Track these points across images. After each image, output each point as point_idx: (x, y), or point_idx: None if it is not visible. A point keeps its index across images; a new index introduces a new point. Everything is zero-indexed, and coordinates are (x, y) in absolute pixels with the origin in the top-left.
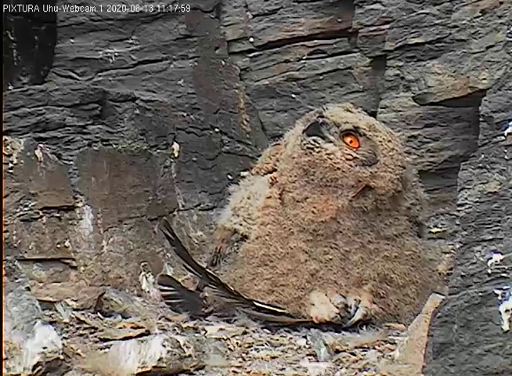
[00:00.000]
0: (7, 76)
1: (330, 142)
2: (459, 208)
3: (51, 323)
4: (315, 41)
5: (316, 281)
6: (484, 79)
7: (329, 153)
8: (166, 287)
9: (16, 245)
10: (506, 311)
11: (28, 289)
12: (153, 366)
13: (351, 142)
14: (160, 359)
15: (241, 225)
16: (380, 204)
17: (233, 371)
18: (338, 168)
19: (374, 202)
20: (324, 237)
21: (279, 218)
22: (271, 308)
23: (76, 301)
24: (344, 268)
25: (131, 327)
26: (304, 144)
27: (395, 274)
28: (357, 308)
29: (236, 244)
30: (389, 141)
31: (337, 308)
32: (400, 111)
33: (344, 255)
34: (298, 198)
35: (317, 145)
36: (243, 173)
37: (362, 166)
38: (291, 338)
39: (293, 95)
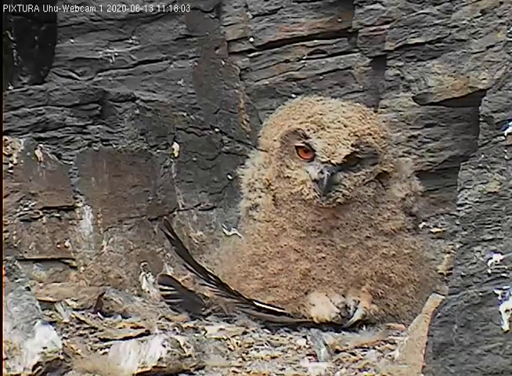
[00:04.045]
0: (7, 76)
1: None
2: (459, 208)
3: (51, 323)
4: (315, 41)
5: (310, 281)
6: (484, 79)
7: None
8: (166, 287)
9: (16, 245)
10: (506, 311)
11: (28, 289)
12: (153, 366)
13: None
14: (160, 359)
15: (260, 197)
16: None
17: (233, 371)
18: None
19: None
20: (319, 234)
21: (270, 215)
22: (271, 308)
23: (76, 301)
24: (341, 266)
25: (131, 327)
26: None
27: (393, 273)
28: (356, 309)
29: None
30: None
31: (338, 308)
32: (400, 111)
33: (341, 252)
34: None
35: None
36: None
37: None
38: (291, 338)
39: (293, 95)
